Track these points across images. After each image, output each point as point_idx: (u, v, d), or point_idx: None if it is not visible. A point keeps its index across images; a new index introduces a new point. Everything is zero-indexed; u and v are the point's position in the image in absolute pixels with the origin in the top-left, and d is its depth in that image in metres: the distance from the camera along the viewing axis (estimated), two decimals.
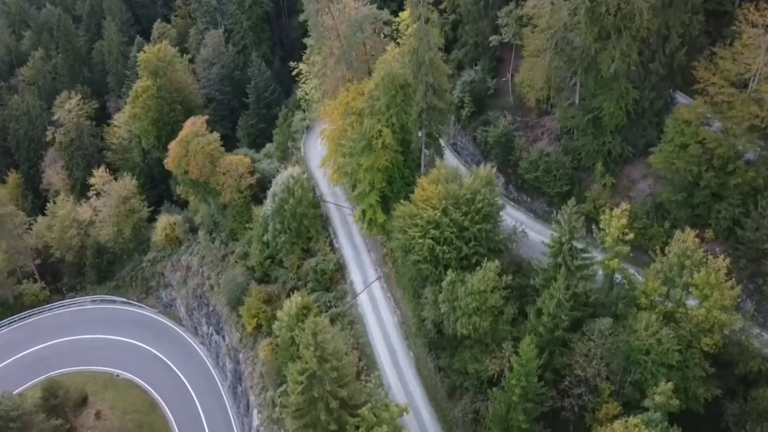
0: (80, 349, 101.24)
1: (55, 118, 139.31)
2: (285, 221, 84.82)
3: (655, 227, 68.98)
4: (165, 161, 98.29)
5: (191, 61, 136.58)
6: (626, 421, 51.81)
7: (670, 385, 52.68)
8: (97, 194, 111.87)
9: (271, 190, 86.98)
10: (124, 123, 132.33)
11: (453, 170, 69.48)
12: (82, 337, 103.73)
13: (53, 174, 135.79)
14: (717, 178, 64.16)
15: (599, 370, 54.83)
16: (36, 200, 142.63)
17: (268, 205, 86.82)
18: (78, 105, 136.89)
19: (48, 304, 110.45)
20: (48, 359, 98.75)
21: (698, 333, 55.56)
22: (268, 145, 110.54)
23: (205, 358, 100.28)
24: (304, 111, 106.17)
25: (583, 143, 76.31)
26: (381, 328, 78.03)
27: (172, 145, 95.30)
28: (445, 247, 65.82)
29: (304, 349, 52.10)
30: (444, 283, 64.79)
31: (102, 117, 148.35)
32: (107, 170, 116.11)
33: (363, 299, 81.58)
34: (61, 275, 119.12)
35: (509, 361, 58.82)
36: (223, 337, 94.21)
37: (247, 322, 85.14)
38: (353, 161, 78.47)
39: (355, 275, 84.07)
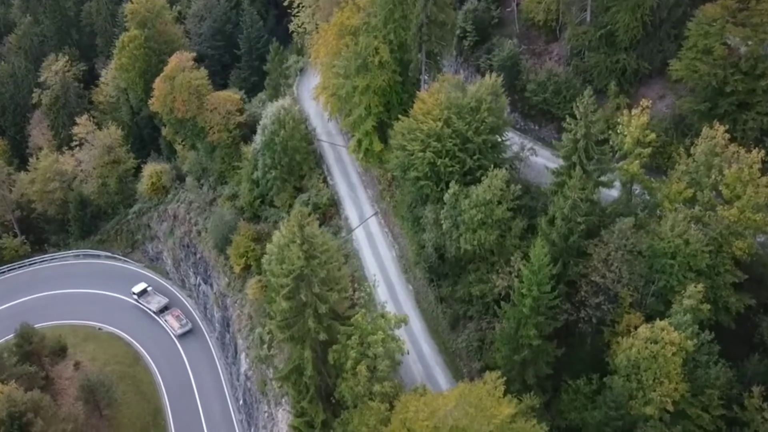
0: (61, 303, 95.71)
1: (41, 79, 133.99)
2: (276, 156, 79.31)
3: (675, 145, 63.43)
4: (150, 102, 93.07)
5: (182, 19, 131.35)
6: (652, 325, 46.25)
7: (700, 287, 47.13)
8: (80, 144, 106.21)
9: (260, 123, 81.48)
10: (111, 79, 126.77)
11: (457, 80, 64.13)
12: (63, 292, 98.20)
13: (38, 135, 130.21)
14: (744, 82, 58.86)
15: (620, 275, 49.08)
16: (22, 165, 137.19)
17: (258, 140, 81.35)
18: (65, 66, 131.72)
19: (28, 259, 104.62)
20: (26, 313, 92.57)
21: (729, 236, 49.96)
22: (260, 94, 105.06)
23: (192, 311, 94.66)
24: (298, 54, 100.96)
25: (596, 62, 71.15)
26: (378, 262, 72.45)
27: (157, 82, 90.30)
28: (447, 159, 60.40)
29: (289, 246, 46.54)
30: (446, 197, 59.34)
31: (90, 79, 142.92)
32: (91, 119, 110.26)
33: (359, 235, 76.02)
34: (43, 233, 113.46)
35: (518, 273, 53.13)
36: (211, 286, 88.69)
37: (235, 263, 79.62)
38: (348, 84, 73.12)
39: (350, 211, 78.59)
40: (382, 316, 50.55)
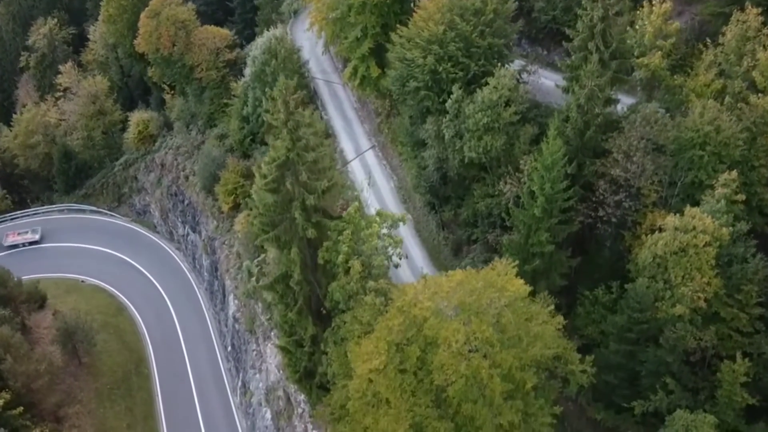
0: (43, 257, 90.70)
1: (29, 42, 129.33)
2: (267, 88, 74.16)
3: (696, 55, 58.19)
4: (136, 42, 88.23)
5: None
6: (681, 215, 41.12)
7: (734, 174, 41.94)
8: (64, 92, 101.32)
9: (251, 54, 76.58)
10: (99, 37, 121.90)
11: None
12: (46, 246, 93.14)
13: (24, 95, 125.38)
14: None
15: (643, 166, 43.85)
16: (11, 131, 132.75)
17: (248, 72, 76.42)
18: (54, 29, 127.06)
19: (10, 213, 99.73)
20: (6, 267, 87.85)
21: (764, 126, 44.78)
22: (253, 43, 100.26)
23: (180, 263, 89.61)
24: None
25: None
26: (376, 193, 67.42)
27: (142, 18, 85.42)
28: (449, 65, 55.39)
29: (273, 128, 41.55)
30: (449, 104, 54.30)
31: (79, 43, 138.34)
32: (76, 68, 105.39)
33: (356, 168, 71.08)
34: (28, 192, 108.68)
35: (530, 174, 47.97)
36: (200, 234, 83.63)
37: (223, 201, 74.57)
38: (343, 2, 68.13)
39: (345, 144, 73.75)
40: (379, 213, 45.38)
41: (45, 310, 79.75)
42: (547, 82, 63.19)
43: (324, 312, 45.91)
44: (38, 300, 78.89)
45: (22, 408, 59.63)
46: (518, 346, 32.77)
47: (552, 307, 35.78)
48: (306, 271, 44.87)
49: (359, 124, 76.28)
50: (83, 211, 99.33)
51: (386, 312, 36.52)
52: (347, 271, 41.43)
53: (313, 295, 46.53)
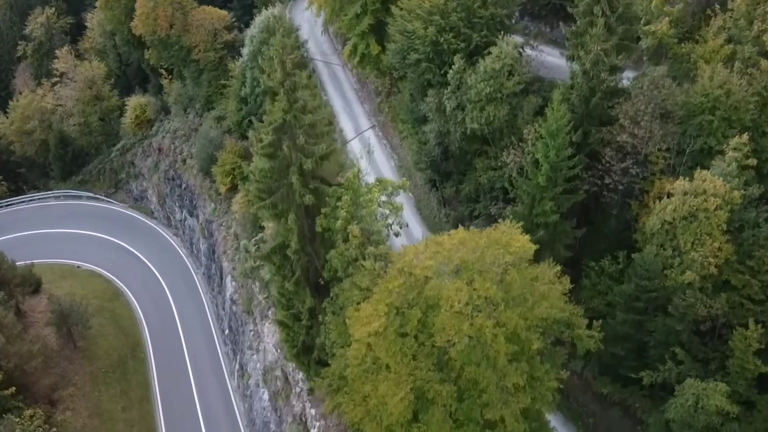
0: (38, 243, 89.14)
1: (27, 31, 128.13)
2: (265, 66, 72.90)
3: (703, 28, 56.85)
4: (133, 24, 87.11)
5: None
6: (691, 177, 39.83)
7: (745, 137, 40.63)
8: (61, 77, 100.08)
9: (248, 33, 75.34)
10: (97, 24, 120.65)
11: None
12: (41, 232, 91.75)
13: (22, 84, 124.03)
14: None
15: (650, 131, 42.52)
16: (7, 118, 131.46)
17: (246, 51, 75.09)
18: (51, 18, 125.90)
19: (6, 200, 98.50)
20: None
21: None
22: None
23: (178, 249, 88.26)
24: None
25: None
26: (376, 172, 65.97)
27: (139, 0, 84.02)
28: (450, 35, 54.15)
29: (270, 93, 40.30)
30: (450, 74, 53.07)
31: (77, 32, 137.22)
32: (71, 52, 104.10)
33: (355, 147, 69.73)
34: (24, 181, 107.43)
35: (534, 142, 46.68)
36: (197, 217, 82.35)
37: (220, 182, 73.29)
38: None
39: (345, 123, 72.68)
40: (379, 180, 44.05)
41: (40, 295, 78.27)
42: (550, 58, 61.88)
43: (322, 283, 44.59)
44: (33, 284, 77.38)
45: (14, 389, 58.31)
46: (523, 305, 31.45)
47: (558, 268, 34.40)
48: (303, 241, 43.51)
49: (359, 105, 75.23)
50: (79, 197, 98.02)
51: (386, 275, 35.16)
52: (346, 239, 40.09)
53: (311, 266, 45.20)
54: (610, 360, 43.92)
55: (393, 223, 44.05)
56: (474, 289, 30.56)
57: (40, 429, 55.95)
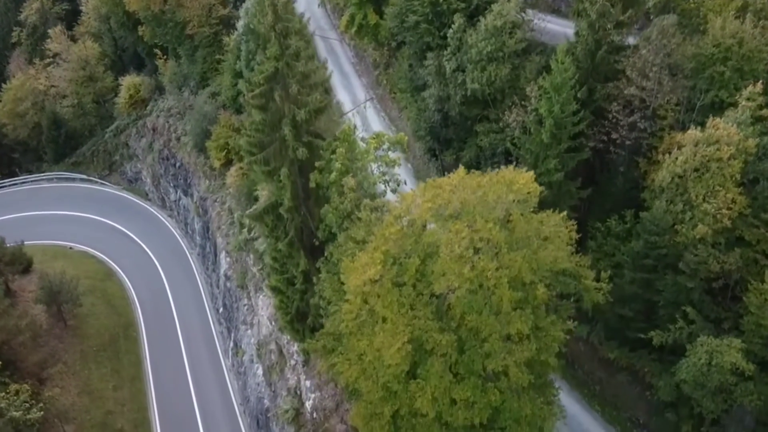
0: (30, 225, 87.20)
1: (21, 17, 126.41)
2: (261, 39, 71.06)
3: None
4: (126, 0, 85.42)
5: None
6: (703, 127, 37.97)
7: (758, 86, 38.78)
8: (54, 57, 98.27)
9: (244, 6, 73.45)
10: (92, 8, 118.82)
11: None
12: (33, 213, 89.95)
13: (16, 69, 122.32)
14: None
15: (659, 82, 40.65)
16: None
17: (241, 24, 73.25)
18: (47, 3, 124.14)
19: None
20: None
21: None
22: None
23: (172, 230, 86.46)
24: None
25: None
26: None
27: None
28: None
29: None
30: (450, 34, 51.36)
31: (72, 18, 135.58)
32: (65, 33, 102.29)
33: (352, 120, 67.86)
34: (18, 165, 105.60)
35: (539, 95, 44.81)
36: (191, 196, 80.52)
37: (215, 157, 71.48)
38: None
39: (342, 96, 70.81)
40: (376, 135, 42.17)
41: (31, 275, 76.41)
42: (552, 26, 60.18)
43: (317, 244, 42.77)
44: (23, 262, 75.53)
45: (0, 364, 56.48)
46: (528, 248, 29.56)
47: (564, 213, 32.55)
48: (297, 199, 41.75)
49: (357, 78, 73.55)
50: (73, 179, 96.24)
51: (382, 224, 33.31)
52: (341, 192, 38.26)
53: (304, 228, 43.44)
54: (617, 323, 42.04)
55: (390, 180, 42.16)
56: (475, 231, 28.67)
57: (26, 404, 54.07)
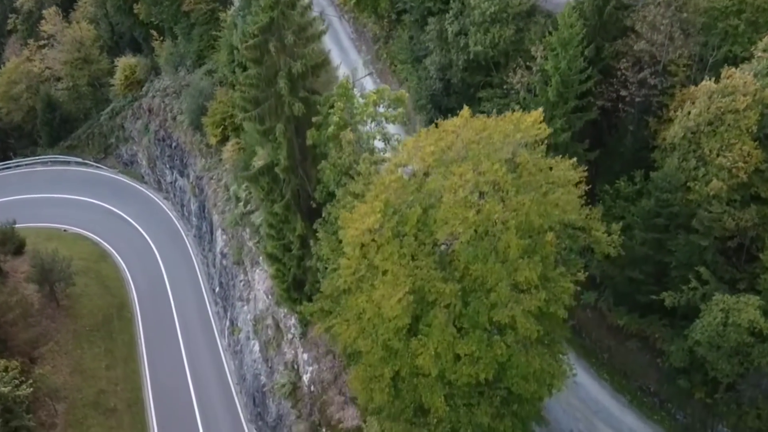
0: (23, 208, 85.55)
1: (16, 4, 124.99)
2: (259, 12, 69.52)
3: None
4: None
5: None
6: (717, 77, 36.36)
7: None
8: (48, 39, 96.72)
9: None
10: None
11: None
12: (27, 197, 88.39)
13: (11, 55, 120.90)
14: None
15: (670, 35, 39.04)
16: None
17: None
18: None
19: None
20: None
21: None
22: None
23: (168, 212, 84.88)
24: None
25: None
26: None
27: None
28: None
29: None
30: None
31: (68, 5, 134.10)
32: (60, 15, 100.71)
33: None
34: (12, 149, 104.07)
35: (543, 56, 43.23)
36: (188, 177, 78.91)
37: (211, 134, 69.69)
38: None
39: (342, 72, 68.81)
40: (377, 91, 40.51)
41: (23, 256, 74.74)
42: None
43: (314, 206, 41.12)
44: (15, 242, 73.88)
45: None
46: (537, 191, 27.91)
47: (574, 159, 30.90)
48: (293, 159, 40.16)
49: (356, 53, 72.03)
50: (68, 162, 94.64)
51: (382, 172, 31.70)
52: (339, 147, 36.66)
53: (301, 190, 41.82)
54: (627, 287, 40.40)
55: (391, 139, 40.45)
56: (480, 173, 27.04)
57: (15, 381, 52.46)
